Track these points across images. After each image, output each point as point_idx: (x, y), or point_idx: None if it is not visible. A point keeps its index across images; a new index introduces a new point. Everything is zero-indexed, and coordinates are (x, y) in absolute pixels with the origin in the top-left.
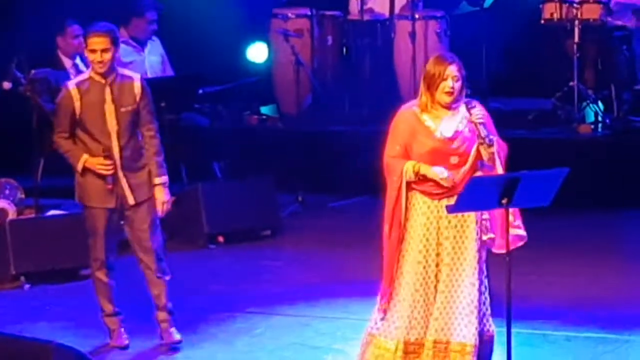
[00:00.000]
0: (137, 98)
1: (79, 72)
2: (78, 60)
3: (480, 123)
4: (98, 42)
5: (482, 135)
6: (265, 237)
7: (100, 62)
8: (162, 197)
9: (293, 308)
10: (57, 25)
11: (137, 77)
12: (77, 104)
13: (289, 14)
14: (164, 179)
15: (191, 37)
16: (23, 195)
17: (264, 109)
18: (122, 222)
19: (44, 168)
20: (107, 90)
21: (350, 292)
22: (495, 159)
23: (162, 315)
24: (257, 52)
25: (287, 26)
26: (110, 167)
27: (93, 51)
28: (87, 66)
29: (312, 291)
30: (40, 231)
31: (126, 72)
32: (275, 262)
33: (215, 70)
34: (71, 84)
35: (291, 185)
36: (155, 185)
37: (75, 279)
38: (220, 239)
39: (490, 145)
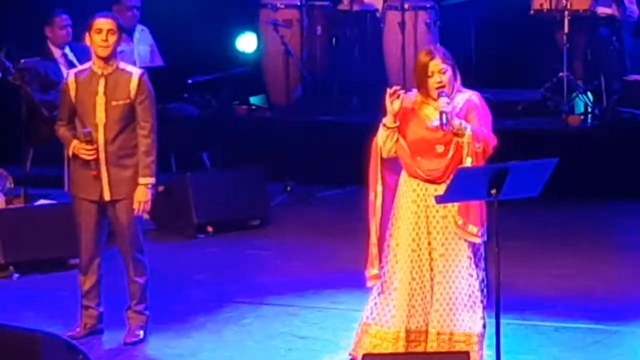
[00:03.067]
0: (132, 93)
1: (68, 62)
2: (67, 50)
3: (442, 112)
4: (105, 22)
5: (441, 122)
6: (254, 226)
7: (104, 41)
8: (140, 197)
9: (282, 298)
10: (45, 15)
11: (137, 72)
12: (73, 94)
13: (278, 4)
14: (148, 180)
15: (180, 26)
16: (12, 185)
17: (253, 99)
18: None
19: (33, 157)
20: (102, 81)
21: (339, 282)
22: (473, 150)
23: (130, 312)
24: (246, 42)
25: (277, 16)
26: (92, 152)
27: (99, 31)
28: (76, 56)
29: (301, 281)
30: (29, 221)
31: (128, 67)
32: (264, 252)
33: (204, 60)
34: (70, 73)
35: (280, 175)
36: (139, 184)
37: (64, 268)
38: (209, 228)
39: (456, 134)
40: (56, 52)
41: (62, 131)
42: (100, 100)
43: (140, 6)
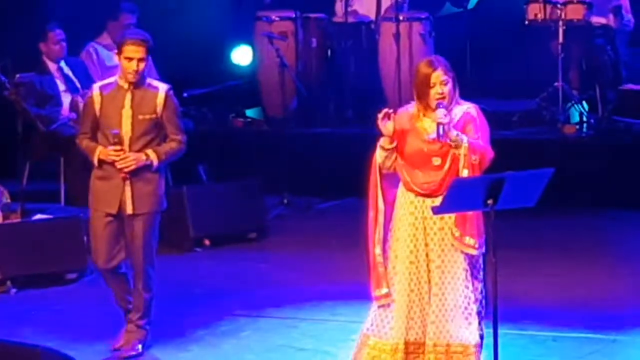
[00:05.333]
0: (159, 108)
1: (64, 76)
2: (63, 64)
3: (439, 123)
4: (136, 50)
5: (438, 134)
6: (251, 239)
7: (135, 71)
8: (135, 156)
9: (280, 310)
10: (40, 30)
11: (163, 88)
12: (98, 107)
13: (274, 17)
14: (153, 156)
15: (176, 40)
16: (9, 200)
17: (249, 112)
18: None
19: (30, 172)
20: (128, 96)
21: (337, 294)
22: (469, 162)
23: (130, 326)
24: (241, 55)
25: (272, 29)
26: (121, 153)
27: (129, 59)
28: (72, 70)
29: (299, 293)
30: (27, 236)
31: (154, 82)
32: (262, 265)
33: (200, 73)
34: (95, 87)
35: (277, 187)
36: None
37: (62, 283)
38: (206, 242)
39: (453, 146)
40: (52, 67)
41: (86, 142)
42: (127, 113)
43: (136, 22)
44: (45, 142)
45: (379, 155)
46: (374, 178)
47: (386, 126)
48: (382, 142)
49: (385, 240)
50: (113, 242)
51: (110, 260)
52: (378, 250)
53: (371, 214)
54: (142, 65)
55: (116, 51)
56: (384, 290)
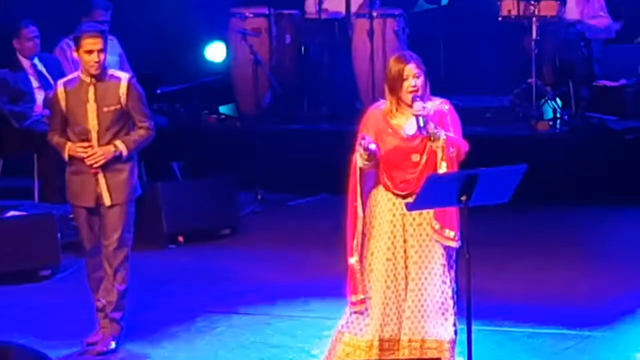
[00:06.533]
0: (123, 98)
1: (37, 72)
2: (37, 61)
3: (418, 116)
4: (94, 42)
5: (418, 126)
6: (224, 236)
7: (96, 62)
8: (103, 150)
9: (253, 307)
10: (13, 27)
11: (125, 77)
12: (63, 103)
13: (247, 13)
14: (122, 147)
15: (149, 36)
16: None
17: (223, 109)
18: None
19: (3, 169)
20: (91, 89)
21: (311, 291)
22: (447, 155)
23: (105, 322)
24: (215, 52)
25: (245, 25)
26: (89, 147)
27: (89, 52)
28: (45, 67)
29: (272, 290)
30: (0, 232)
31: (116, 72)
32: (235, 261)
33: (173, 70)
34: (59, 84)
35: (250, 184)
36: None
37: (35, 279)
38: (180, 238)
39: (432, 139)
40: (25, 63)
41: (56, 138)
42: (92, 107)
43: (110, 20)
44: (19, 139)
45: (359, 160)
46: (354, 182)
47: (367, 156)
48: (361, 163)
49: (362, 245)
50: (97, 232)
51: (97, 244)
52: (356, 257)
53: (350, 219)
54: (102, 56)
55: (74, 47)
56: (360, 297)
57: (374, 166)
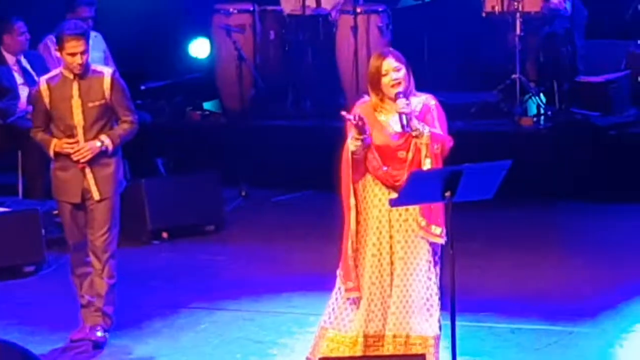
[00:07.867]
0: (107, 93)
1: (22, 69)
2: (22, 58)
3: (401, 113)
4: (77, 45)
5: (402, 124)
6: (209, 232)
7: (79, 64)
8: (90, 145)
9: (237, 303)
10: (1, 23)
11: (108, 72)
12: (47, 100)
13: (231, 9)
14: (107, 141)
15: (133, 32)
16: None
17: (207, 105)
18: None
19: None
20: (75, 85)
21: (294, 287)
22: (431, 152)
23: (94, 315)
24: (199, 48)
25: (229, 21)
26: (75, 143)
27: (73, 54)
28: (31, 64)
29: (256, 286)
30: None
31: (98, 67)
32: (219, 257)
33: (157, 66)
34: (42, 80)
35: (234, 180)
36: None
37: (19, 276)
38: (164, 234)
39: (415, 136)
40: (10, 59)
41: (40, 135)
42: (77, 103)
43: (94, 16)
44: (3, 135)
45: (351, 144)
46: (346, 174)
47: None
48: (352, 144)
49: (357, 232)
50: (82, 227)
51: (81, 240)
52: (349, 244)
53: (345, 211)
54: (85, 57)
55: (57, 47)
56: (350, 284)
57: (364, 150)
